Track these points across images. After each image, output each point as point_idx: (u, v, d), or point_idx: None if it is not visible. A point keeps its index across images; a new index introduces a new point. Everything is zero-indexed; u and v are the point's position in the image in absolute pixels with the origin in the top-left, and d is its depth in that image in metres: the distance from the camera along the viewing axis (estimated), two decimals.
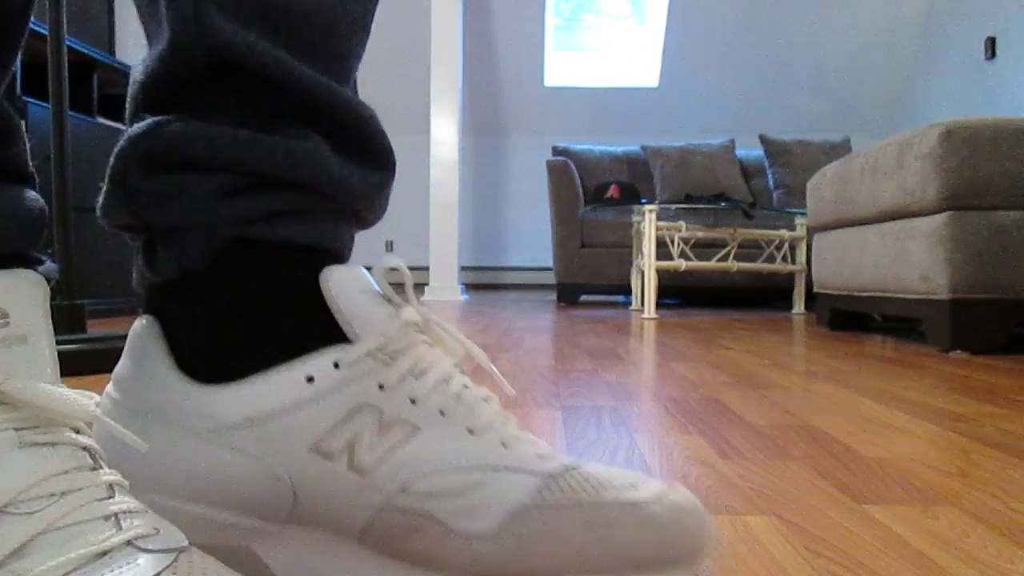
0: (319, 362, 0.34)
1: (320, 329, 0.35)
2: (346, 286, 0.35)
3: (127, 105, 0.38)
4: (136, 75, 0.37)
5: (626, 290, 3.89)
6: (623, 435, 0.77)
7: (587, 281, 3.90)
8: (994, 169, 1.60)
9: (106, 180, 0.37)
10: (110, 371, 1.09)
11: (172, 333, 0.36)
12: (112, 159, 0.36)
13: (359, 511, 0.33)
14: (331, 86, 0.36)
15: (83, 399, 0.27)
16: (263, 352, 0.34)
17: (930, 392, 1.07)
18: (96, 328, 1.87)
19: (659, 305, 3.90)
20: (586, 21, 5.28)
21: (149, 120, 0.35)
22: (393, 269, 0.36)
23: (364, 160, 0.38)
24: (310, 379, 0.34)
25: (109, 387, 0.37)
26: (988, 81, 4.33)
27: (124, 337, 1.32)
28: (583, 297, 4.79)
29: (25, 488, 0.24)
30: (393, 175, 0.40)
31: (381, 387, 0.34)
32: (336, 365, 0.34)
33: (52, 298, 1.24)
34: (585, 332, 2.10)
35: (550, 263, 5.45)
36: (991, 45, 4.30)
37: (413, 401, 0.34)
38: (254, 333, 0.35)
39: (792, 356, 1.54)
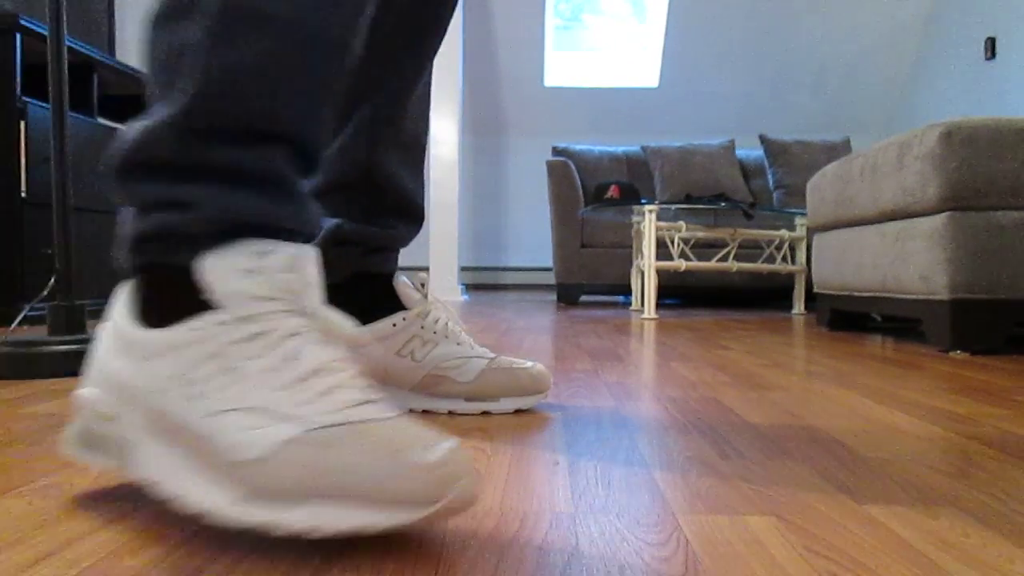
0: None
1: (393, 301, 0.85)
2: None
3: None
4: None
5: (626, 290, 3.89)
6: (623, 435, 0.77)
7: (587, 281, 3.90)
8: (994, 169, 1.60)
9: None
10: None
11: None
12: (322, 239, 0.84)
13: (415, 376, 0.84)
14: (417, 189, 0.88)
15: (343, 319, 0.51)
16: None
17: (930, 392, 1.07)
18: (96, 328, 1.87)
19: (659, 305, 3.90)
20: (586, 21, 5.28)
21: (333, 222, 0.84)
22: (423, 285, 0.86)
23: (410, 221, 0.89)
24: (394, 324, 0.84)
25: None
26: (988, 81, 4.33)
27: None
28: (583, 297, 4.78)
29: (329, 360, 0.48)
30: (421, 225, 0.88)
31: (422, 327, 0.84)
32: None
33: (52, 298, 1.24)
34: (585, 332, 2.10)
35: (550, 263, 5.45)
36: (991, 45, 4.30)
37: (435, 333, 0.85)
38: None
39: (792, 356, 1.54)
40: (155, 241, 0.51)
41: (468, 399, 0.84)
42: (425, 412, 0.85)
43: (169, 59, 0.50)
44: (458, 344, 0.85)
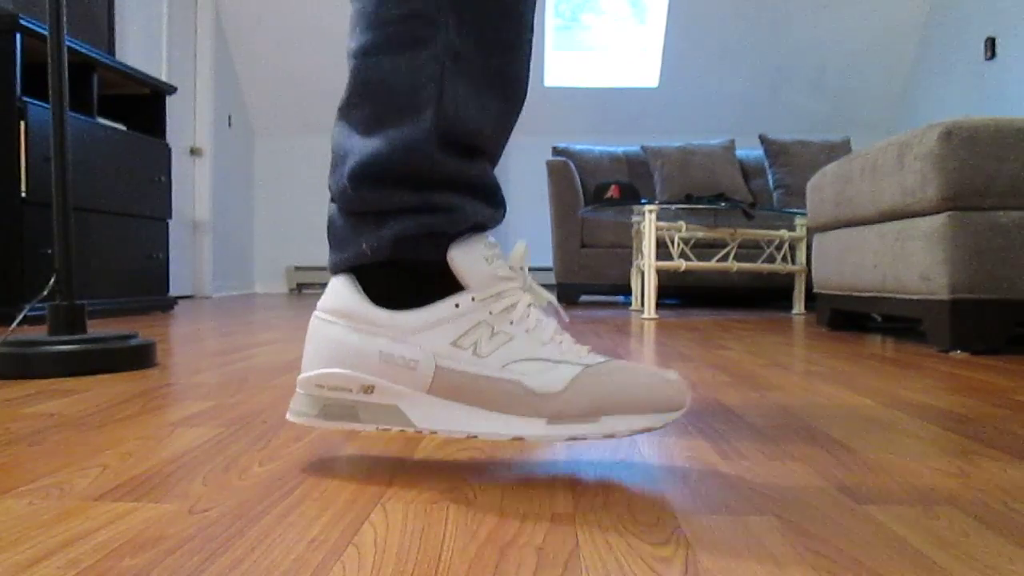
0: (463, 297, 0.60)
1: (455, 281, 0.62)
2: (463, 258, 0.61)
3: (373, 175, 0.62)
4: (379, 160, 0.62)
5: (626, 290, 3.89)
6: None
7: (587, 281, 3.90)
8: (994, 169, 1.60)
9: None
10: (110, 371, 1.13)
11: (365, 285, 0.62)
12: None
13: (476, 381, 0.59)
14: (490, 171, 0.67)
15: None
16: (429, 296, 0.61)
17: (930, 392, 1.07)
18: (96, 328, 1.87)
19: (659, 305, 3.90)
20: (586, 21, 5.28)
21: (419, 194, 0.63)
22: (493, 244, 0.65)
23: (492, 203, 0.66)
24: (457, 306, 0.60)
25: (319, 312, 0.63)
26: (988, 81, 4.33)
27: (124, 337, 1.32)
28: (583, 297, 4.78)
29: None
30: (504, 211, 0.67)
31: (491, 313, 0.60)
32: (472, 299, 0.60)
33: (52, 298, 1.24)
34: (585, 332, 2.10)
35: (550, 263, 5.45)
36: (991, 45, 4.30)
37: (512, 323, 0.61)
38: (422, 288, 0.61)
39: (792, 356, 1.54)
40: (421, 239, 0.61)
41: (551, 420, 0.58)
42: (470, 439, 0.67)
43: (396, 84, 0.60)
44: (543, 344, 0.60)
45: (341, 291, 0.62)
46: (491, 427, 0.59)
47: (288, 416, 0.63)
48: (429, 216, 0.61)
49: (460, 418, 0.59)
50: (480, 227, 0.64)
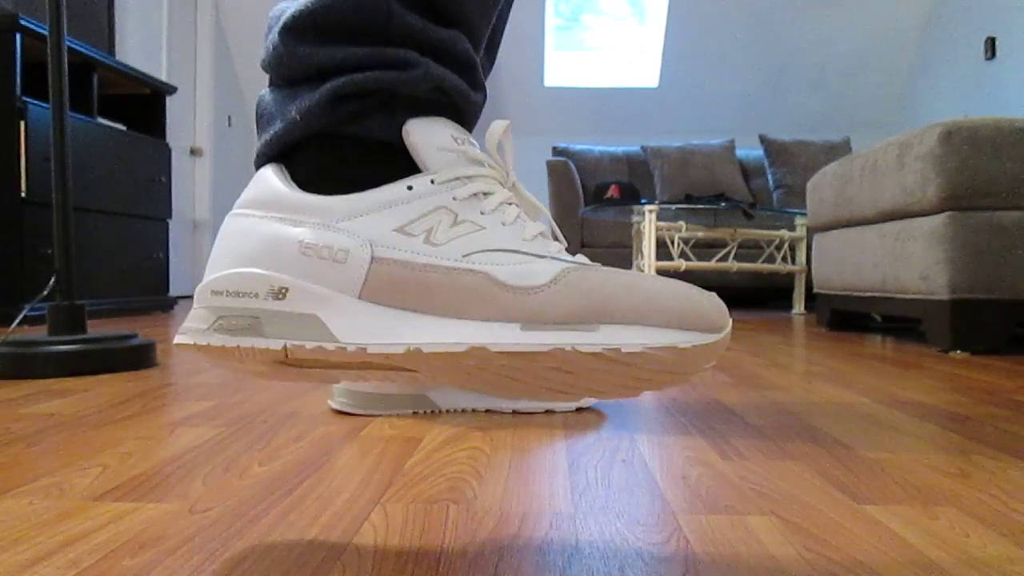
0: (420, 180, 0.45)
1: (410, 162, 0.46)
2: (422, 131, 0.47)
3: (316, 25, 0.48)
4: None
5: None
6: (623, 435, 0.77)
7: None
8: (994, 169, 1.60)
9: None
10: (110, 371, 1.13)
11: (293, 172, 0.48)
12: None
13: (425, 274, 0.43)
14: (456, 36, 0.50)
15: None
16: (373, 180, 0.46)
17: (930, 392, 1.07)
18: (96, 328, 1.87)
19: None
20: (586, 21, 5.28)
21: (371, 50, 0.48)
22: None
23: (467, 76, 0.51)
24: (410, 188, 0.45)
25: (235, 208, 0.48)
26: (988, 81, 4.33)
27: (124, 337, 1.32)
28: None
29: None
30: (484, 95, 0.53)
31: (455, 199, 0.45)
32: (432, 182, 0.45)
33: (52, 298, 1.24)
34: None
35: None
36: (991, 45, 4.30)
37: (482, 212, 0.45)
38: (367, 170, 0.47)
39: (792, 356, 1.54)
40: (368, 103, 0.47)
41: (528, 324, 0.41)
42: (411, 354, 0.43)
43: None
44: (524, 240, 0.45)
45: (261, 179, 0.48)
46: (441, 335, 0.42)
47: (175, 339, 0.46)
48: (378, 72, 0.47)
49: (399, 327, 0.43)
50: (450, 106, 0.50)
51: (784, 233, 3.06)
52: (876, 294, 1.96)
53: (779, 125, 5.48)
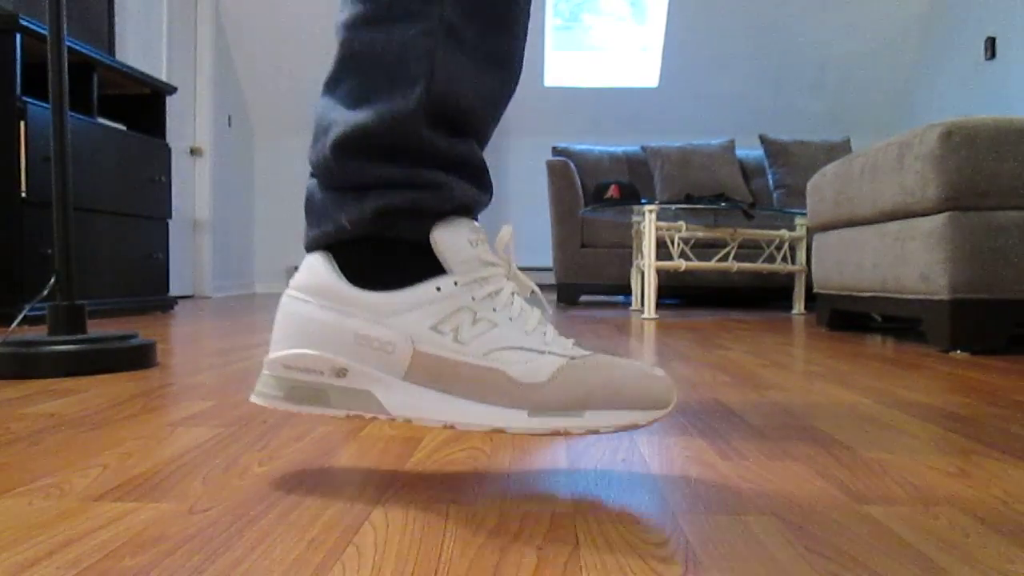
0: (446, 281, 0.57)
1: (436, 263, 0.58)
2: (447, 238, 0.58)
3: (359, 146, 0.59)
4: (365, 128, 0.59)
5: (626, 290, 3.89)
6: (623, 435, 0.77)
7: (587, 281, 3.90)
8: (994, 169, 1.60)
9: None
10: (110, 371, 1.13)
11: (342, 264, 0.59)
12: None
13: (455, 367, 0.56)
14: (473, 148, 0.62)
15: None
16: (409, 277, 0.58)
17: (930, 392, 1.07)
18: (96, 328, 1.87)
19: (659, 305, 3.90)
20: (586, 21, 5.28)
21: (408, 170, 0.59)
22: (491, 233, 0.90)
23: (480, 185, 0.62)
24: (439, 289, 0.57)
25: (291, 290, 0.60)
26: (988, 81, 4.33)
27: (124, 337, 1.32)
28: (583, 297, 4.78)
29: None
30: (491, 195, 0.64)
31: (473, 298, 0.57)
32: (455, 283, 0.57)
33: (52, 298, 1.24)
34: (585, 332, 2.10)
35: (550, 263, 5.45)
36: (991, 45, 4.30)
37: (494, 309, 0.57)
38: (402, 268, 0.58)
39: (792, 356, 1.54)
40: (404, 214, 0.58)
41: (534, 412, 0.55)
42: (449, 428, 0.62)
43: (387, 57, 0.57)
44: (527, 333, 0.57)
45: (316, 268, 0.59)
46: (469, 416, 0.56)
47: (252, 398, 0.60)
48: (414, 191, 0.58)
49: (437, 406, 0.56)
50: (466, 209, 0.61)
51: (784, 233, 3.06)
52: (876, 294, 1.96)
53: (779, 125, 5.48)
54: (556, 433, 0.55)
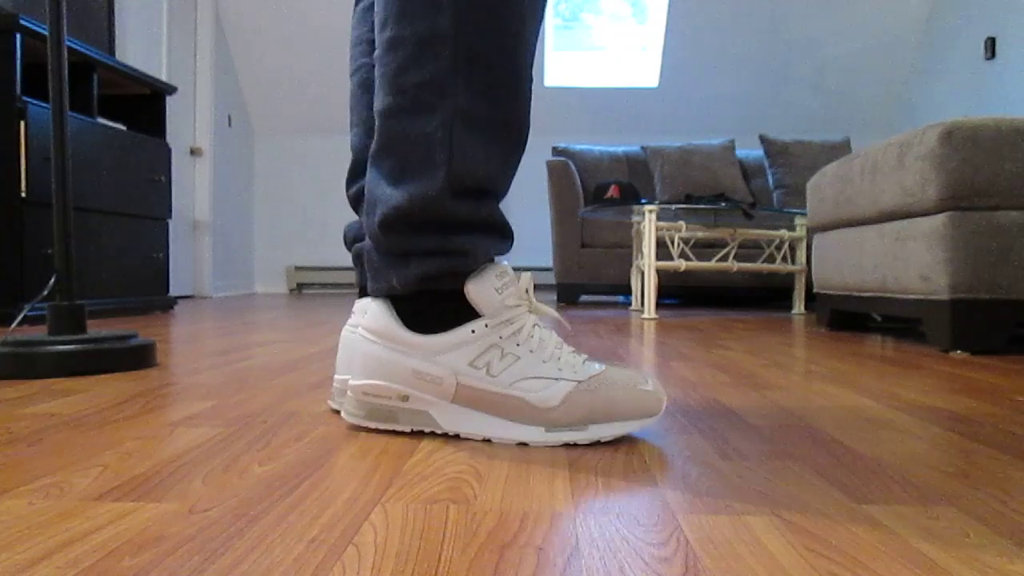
0: (478, 324, 0.73)
1: (472, 308, 0.74)
2: (477, 290, 0.74)
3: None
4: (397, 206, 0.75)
5: (626, 290, 3.89)
6: (623, 436, 0.77)
7: (587, 281, 3.90)
8: (994, 169, 1.60)
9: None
10: (110, 371, 1.14)
11: (399, 309, 0.76)
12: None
13: (489, 395, 0.73)
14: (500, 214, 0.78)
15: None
16: (451, 321, 0.74)
17: (930, 392, 1.07)
18: (96, 328, 1.87)
19: (659, 305, 3.90)
20: (586, 21, 5.28)
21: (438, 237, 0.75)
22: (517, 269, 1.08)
23: (502, 237, 0.78)
24: (473, 331, 0.73)
25: (363, 331, 0.77)
26: (988, 81, 4.33)
27: (123, 337, 1.32)
28: (583, 297, 4.78)
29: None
30: (512, 240, 0.79)
31: (501, 337, 0.73)
32: (486, 325, 0.73)
33: (52, 298, 1.24)
34: (585, 332, 2.10)
35: (550, 263, 5.45)
36: (991, 45, 4.30)
37: (518, 345, 0.74)
38: (445, 313, 0.75)
39: (792, 356, 1.54)
40: (442, 276, 0.74)
41: (549, 428, 0.72)
42: (487, 441, 0.74)
43: (415, 146, 0.71)
44: (544, 362, 0.73)
45: (380, 315, 0.76)
46: (501, 432, 0.73)
47: (343, 416, 0.78)
48: (447, 259, 0.74)
49: (477, 423, 0.74)
50: (491, 259, 0.76)
51: (784, 233, 3.06)
52: (876, 294, 1.96)
53: (779, 125, 5.49)
54: (568, 444, 0.72)
